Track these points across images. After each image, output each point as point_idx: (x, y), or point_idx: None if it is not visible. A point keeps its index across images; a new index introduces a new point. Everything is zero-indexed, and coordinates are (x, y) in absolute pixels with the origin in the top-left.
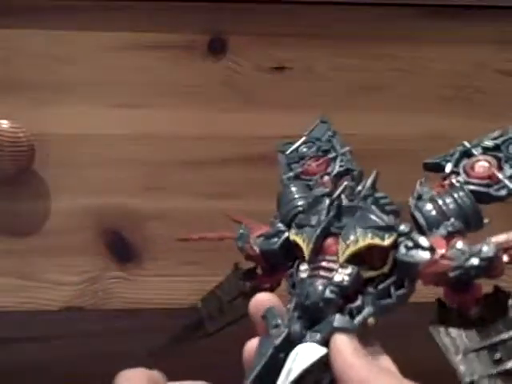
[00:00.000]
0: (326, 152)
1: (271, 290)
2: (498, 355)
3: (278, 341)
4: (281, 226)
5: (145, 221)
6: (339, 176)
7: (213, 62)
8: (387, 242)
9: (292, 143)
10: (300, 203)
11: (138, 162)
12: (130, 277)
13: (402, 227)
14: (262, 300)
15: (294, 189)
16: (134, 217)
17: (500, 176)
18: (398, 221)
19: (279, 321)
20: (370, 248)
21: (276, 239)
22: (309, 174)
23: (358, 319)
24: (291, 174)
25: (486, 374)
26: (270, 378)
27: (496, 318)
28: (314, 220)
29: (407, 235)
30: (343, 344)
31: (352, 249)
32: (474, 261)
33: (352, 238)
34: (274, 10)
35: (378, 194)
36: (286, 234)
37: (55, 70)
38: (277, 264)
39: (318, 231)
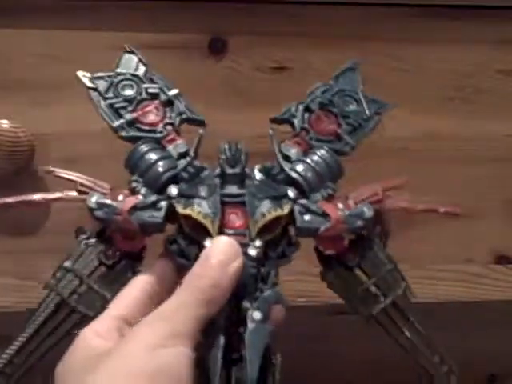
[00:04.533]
0: (155, 96)
1: (139, 256)
2: (377, 291)
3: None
4: (152, 195)
5: None
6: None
7: (213, 62)
8: (286, 210)
9: (102, 78)
10: (165, 169)
11: None
12: None
13: (291, 193)
14: None
15: (146, 148)
16: None
17: (341, 133)
18: (285, 188)
19: None
20: (274, 219)
21: (157, 211)
22: (143, 122)
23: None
24: (122, 120)
25: (380, 308)
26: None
27: (369, 259)
28: (203, 191)
29: (296, 201)
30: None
31: (261, 223)
32: (360, 222)
33: (258, 213)
34: (274, 9)
35: (266, 164)
36: (164, 204)
37: (55, 69)
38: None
39: (219, 208)
